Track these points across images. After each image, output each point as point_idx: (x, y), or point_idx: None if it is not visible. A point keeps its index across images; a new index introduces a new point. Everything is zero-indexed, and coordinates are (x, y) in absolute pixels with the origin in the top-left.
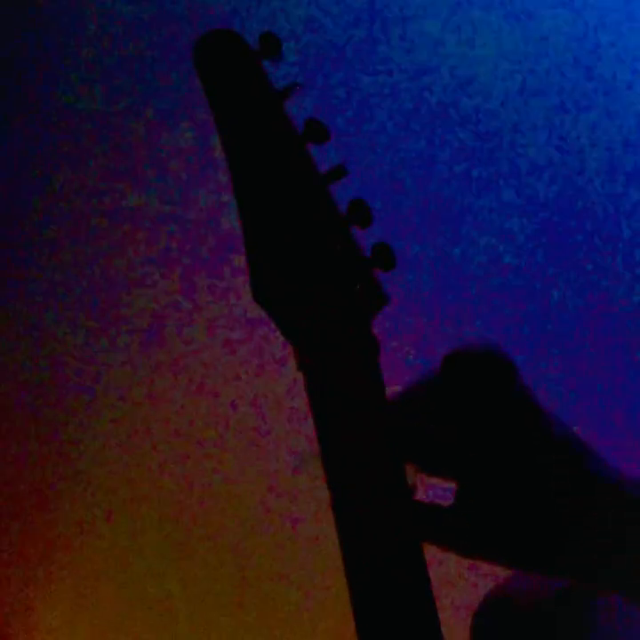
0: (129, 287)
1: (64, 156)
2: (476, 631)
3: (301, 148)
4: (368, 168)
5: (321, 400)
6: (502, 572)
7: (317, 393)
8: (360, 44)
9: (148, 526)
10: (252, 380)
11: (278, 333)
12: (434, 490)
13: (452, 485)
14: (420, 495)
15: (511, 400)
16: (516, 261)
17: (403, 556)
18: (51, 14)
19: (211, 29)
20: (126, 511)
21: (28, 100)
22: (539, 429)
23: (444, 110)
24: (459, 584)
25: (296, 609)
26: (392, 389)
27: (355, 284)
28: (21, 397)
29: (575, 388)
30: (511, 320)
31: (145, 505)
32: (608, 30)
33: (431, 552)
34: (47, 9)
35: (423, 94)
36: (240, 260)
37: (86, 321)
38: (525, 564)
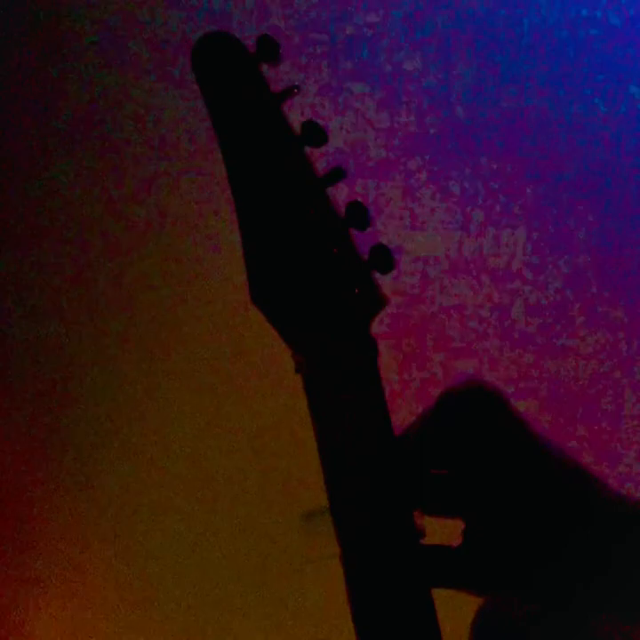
0: (127, 288)
1: (62, 159)
2: (476, 631)
3: (299, 151)
4: (368, 170)
5: (319, 403)
6: None
7: (316, 396)
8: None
9: (151, 531)
10: (250, 382)
11: (277, 336)
12: None
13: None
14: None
15: (507, 429)
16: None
17: (402, 557)
18: (50, 14)
19: (208, 32)
20: (131, 518)
21: (27, 99)
22: (537, 456)
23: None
24: None
25: (295, 609)
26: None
27: (353, 287)
28: (24, 400)
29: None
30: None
31: (148, 511)
32: None
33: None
34: (45, 9)
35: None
36: (238, 263)
37: (90, 328)
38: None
